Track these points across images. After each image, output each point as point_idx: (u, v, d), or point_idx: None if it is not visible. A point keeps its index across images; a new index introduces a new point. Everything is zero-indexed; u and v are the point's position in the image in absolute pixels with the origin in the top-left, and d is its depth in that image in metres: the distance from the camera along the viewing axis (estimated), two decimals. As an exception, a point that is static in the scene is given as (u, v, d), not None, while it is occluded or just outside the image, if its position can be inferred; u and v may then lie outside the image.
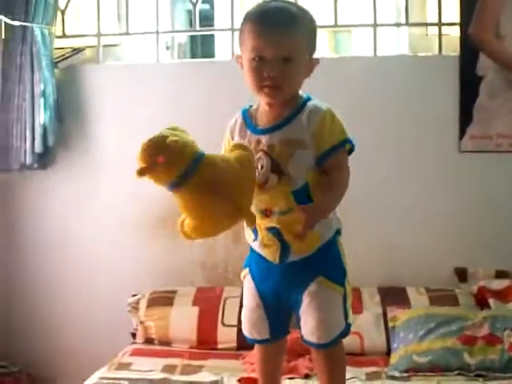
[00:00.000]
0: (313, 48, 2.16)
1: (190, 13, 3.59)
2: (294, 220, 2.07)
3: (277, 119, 2.16)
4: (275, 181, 2.11)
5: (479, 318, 3.04)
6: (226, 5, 3.59)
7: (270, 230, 2.14)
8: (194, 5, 3.55)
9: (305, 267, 2.17)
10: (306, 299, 2.17)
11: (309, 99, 2.17)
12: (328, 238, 2.18)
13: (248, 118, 2.22)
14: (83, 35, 3.72)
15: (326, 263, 2.19)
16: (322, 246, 2.17)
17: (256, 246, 2.22)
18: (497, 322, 3.00)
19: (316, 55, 2.14)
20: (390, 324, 3.15)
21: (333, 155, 2.11)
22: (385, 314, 3.22)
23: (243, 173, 2.04)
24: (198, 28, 3.59)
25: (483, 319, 3.02)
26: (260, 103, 2.20)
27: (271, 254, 2.18)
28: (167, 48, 3.80)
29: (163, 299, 3.39)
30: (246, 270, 2.30)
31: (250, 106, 2.24)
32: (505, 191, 3.38)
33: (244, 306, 2.32)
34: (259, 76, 2.09)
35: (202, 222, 2.02)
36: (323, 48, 4.51)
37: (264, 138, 2.14)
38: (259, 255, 2.23)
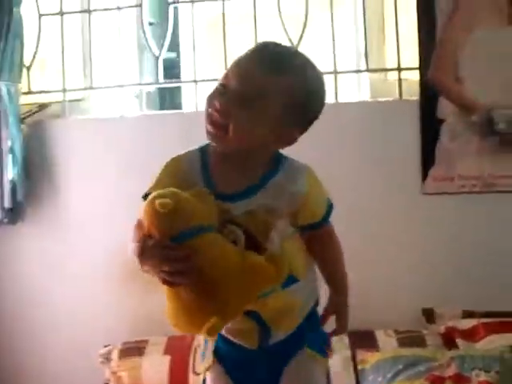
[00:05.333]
0: (295, 117, 1.82)
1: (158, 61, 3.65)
2: (276, 301, 1.85)
3: (246, 180, 1.84)
4: None
5: (447, 358, 3.06)
6: (192, 53, 3.65)
7: (248, 314, 1.84)
8: (157, 58, 3.63)
9: (289, 341, 1.95)
10: (288, 374, 1.95)
11: (282, 155, 1.90)
12: (310, 308, 2.00)
13: (206, 172, 1.86)
14: (49, 91, 3.76)
15: (310, 333, 1.99)
16: (306, 316, 1.98)
17: (224, 331, 1.92)
18: (464, 361, 3.01)
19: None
20: (359, 367, 3.16)
21: (326, 223, 1.99)
22: (354, 358, 3.24)
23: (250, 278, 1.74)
24: (161, 80, 3.67)
25: (451, 359, 3.04)
26: (215, 154, 1.87)
27: (246, 340, 1.92)
28: (136, 97, 3.85)
29: (135, 349, 3.40)
30: (211, 361, 1.98)
31: (204, 150, 1.89)
32: (468, 231, 3.41)
33: None
34: (207, 104, 1.81)
35: (173, 307, 1.81)
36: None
37: (234, 206, 1.80)
38: (228, 342, 1.95)
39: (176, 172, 1.87)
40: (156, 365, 3.34)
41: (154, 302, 3.50)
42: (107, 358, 3.42)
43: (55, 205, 3.64)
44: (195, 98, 3.59)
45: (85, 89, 3.74)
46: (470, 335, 3.25)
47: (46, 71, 3.88)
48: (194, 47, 3.59)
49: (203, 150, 1.89)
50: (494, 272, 3.38)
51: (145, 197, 1.84)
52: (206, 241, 1.72)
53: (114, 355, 3.41)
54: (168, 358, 3.34)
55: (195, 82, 3.60)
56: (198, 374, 2.01)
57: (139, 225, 1.79)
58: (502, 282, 3.37)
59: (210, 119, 1.80)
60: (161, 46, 3.63)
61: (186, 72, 3.79)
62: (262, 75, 1.77)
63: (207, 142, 1.88)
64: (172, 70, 3.87)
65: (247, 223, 1.79)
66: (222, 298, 1.72)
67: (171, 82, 3.82)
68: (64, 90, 3.67)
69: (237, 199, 1.81)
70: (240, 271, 1.72)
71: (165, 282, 1.75)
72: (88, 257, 3.59)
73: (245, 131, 1.78)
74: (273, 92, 1.77)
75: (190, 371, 3.27)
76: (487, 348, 3.15)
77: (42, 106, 3.68)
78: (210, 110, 1.80)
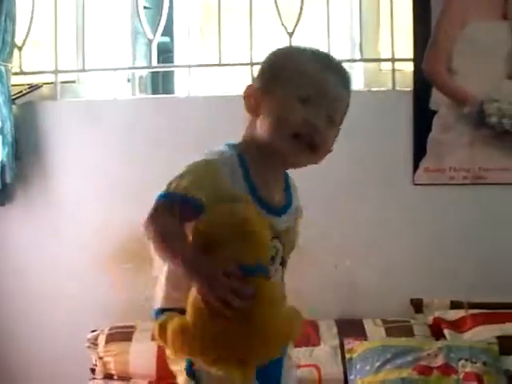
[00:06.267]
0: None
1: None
2: None
3: (281, 193, 1.82)
4: (280, 274, 1.79)
5: (434, 348, 3.08)
6: (186, 38, 3.63)
7: None
8: (151, 42, 3.59)
9: None
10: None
11: None
12: None
13: (250, 181, 1.73)
14: (41, 72, 3.73)
15: None
16: None
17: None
18: (451, 352, 3.04)
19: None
20: (347, 356, 3.17)
21: None
22: (342, 346, 3.25)
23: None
24: (154, 64, 3.64)
25: (438, 349, 3.06)
26: (257, 160, 1.74)
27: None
28: (128, 80, 3.83)
29: (122, 334, 3.38)
30: None
31: (241, 155, 1.74)
32: (458, 222, 3.43)
33: None
34: (309, 125, 1.71)
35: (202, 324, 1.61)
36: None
37: (278, 220, 1.76)
38: None
39: (217, 178, 1.68)
40: (143, 351, 3.32)
41: (143, 287, 3.54)
42: (94, 343, 3.40)
43: (45, 187, 3.61)
44: (188, 83, 3.58)
45: (77, 71, 3.71)
46: (458, 326, 3.28)
47: (38, 52, 3.84)
48: (189, 32, 3.58)
49: (240, 155, 1.75)
50: (483, 263, 3.41)
51: (167, 196, 1.68)
52: (268, 286, 1.63)
53: (101, 340, 3.38)
54: (155, 343, 3.32)
55: (189, 66, 3.58)
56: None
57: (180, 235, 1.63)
58: (491, 273, 3.40)
59: (310, 140, 1.72)
60: (155, 30, 3.60)
61: (179, 57, 3.76)
62: (347, 96, 1.80)
63: (234, 143, 1.80)
64: (166, 54, 3.85)
65: (284, 240, 1.77)
66: (261, 351, 1.63)
67: (165, 67, 3.81)
68: (56, 72, 3.63)
69: (280, 213, 1.77)
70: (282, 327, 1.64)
71: (214, 309, 1.57)
72: (77, 239, 3.56)
73: (329, 149, 1.81)
74: (347, 108, 1.82)
75: (178, 357, 3.28)
76: (474, 339, 3.18)
77: (33, 87, 3.64)
78: (310, 131, 1.71)
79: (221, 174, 1.68)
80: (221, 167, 1.69)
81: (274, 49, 1.85)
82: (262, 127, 1.73)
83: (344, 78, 1.79)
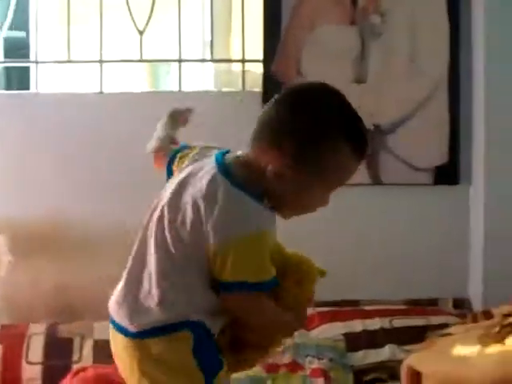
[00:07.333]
0: None
1: (6, 40, 3.53)
2: None
3: None
4: None
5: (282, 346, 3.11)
6: (42, 34, 3.55)
7: None
8: (-4, 35, 3.51)
9: None
10: None
11: None
12: None
13: None
14: None
15: None
16: None
17: None
18: (299, 349, 3.09)
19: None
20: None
21: None
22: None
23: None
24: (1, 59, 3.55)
25: (286, 347, 3.10)
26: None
27: None
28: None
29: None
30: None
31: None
32: (380, 226, 3.54)
33: None
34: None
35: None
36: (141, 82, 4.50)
37: None
38: None
39: (269, 243, 1.75)
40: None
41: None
42: None
43: None
44: (39, 79, 3.50)
45: None
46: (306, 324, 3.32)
47: None
48: (37, 28, 3.50)
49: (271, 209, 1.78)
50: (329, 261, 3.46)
51: (254, 288, 1.72)
52: None
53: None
54: (0, 346, 3.22)
55: (36, 62, 3.51)
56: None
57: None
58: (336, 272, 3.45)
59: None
60: (1, 25, 3.49)
61: (39, 53, 3.67)
62: None
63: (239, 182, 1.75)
64: (23, 49, 3.77)
65: None
66: None
67: (11, 62, 3.71)
68: None
69: None
70: None
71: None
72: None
73: None
74: None
75: (23, 360, 3.19)
76: (321, 336, 3.24)
77: None
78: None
79: (272, 235, 1.77)
80: (270, 230, 1.76)
81: (309, 106, 1.74)
82: (280, 197, 1.76)
83: None
